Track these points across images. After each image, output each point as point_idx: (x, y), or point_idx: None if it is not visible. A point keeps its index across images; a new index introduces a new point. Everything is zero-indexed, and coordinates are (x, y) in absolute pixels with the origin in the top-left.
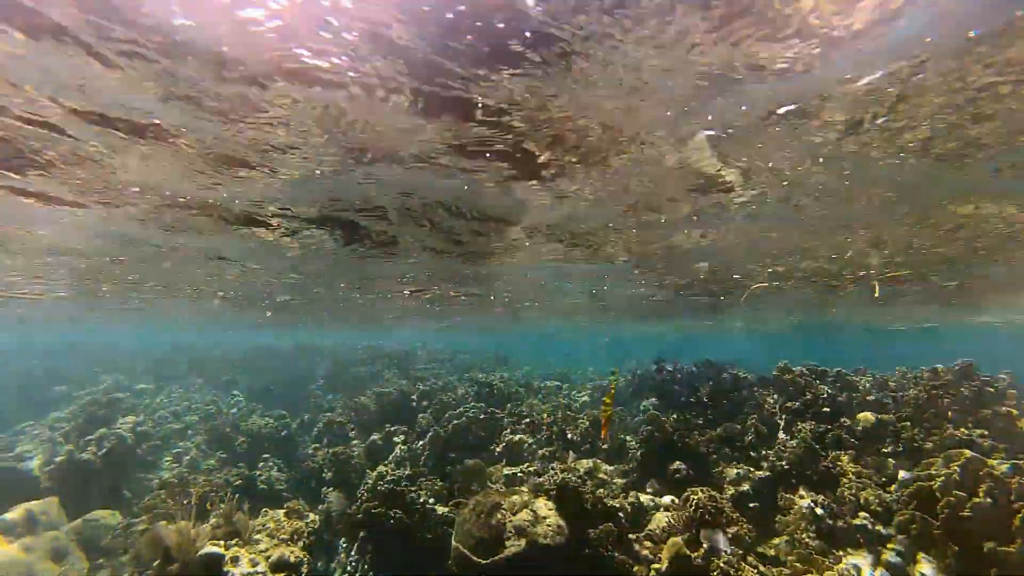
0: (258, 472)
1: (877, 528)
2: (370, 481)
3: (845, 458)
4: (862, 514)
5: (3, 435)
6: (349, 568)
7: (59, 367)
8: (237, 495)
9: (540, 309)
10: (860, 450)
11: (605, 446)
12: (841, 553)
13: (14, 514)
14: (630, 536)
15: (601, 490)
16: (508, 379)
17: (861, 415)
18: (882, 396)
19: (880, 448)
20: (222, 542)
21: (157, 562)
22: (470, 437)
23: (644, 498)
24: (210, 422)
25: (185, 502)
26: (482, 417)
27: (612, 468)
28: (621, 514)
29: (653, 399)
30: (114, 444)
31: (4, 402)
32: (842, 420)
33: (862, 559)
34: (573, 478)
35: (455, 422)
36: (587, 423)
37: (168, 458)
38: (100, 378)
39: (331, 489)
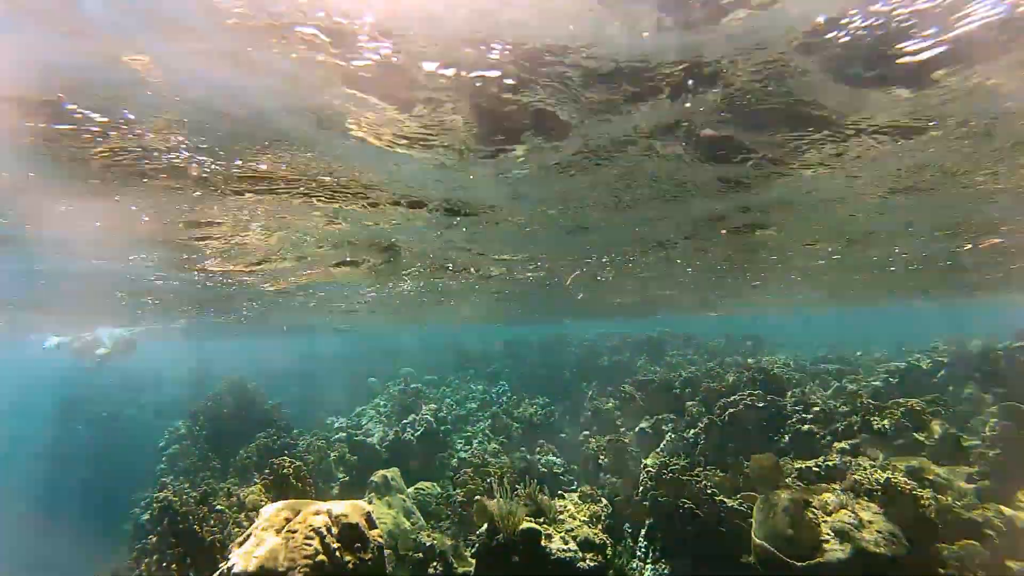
0: (537, 456)
1: None
2: (652, 469)
3: None
4: None
5: (352, 417)
6: (639, 554)
7: (369, 364)
8: (527, 476)
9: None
10: None
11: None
12: None
13: (376, 477)
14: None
15: (944, 496)
16: (784, 362)
17: None
18: None
19: None
20: (532, 520)
21: (484, 530)
22: (749, 427)
23: (1011, 512)
24: (487, 410)
25: (489, 480)
26: (761, 405)
27: (944, 470)
28: (991, 532)
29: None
30: (425, 427)
31: (344, 391)
32: None
33: None
34: (901, 478)
35: (731, 411)
36: (897, 414)
37: (459, 441)
38: (399, 372)
39: (609, 476)
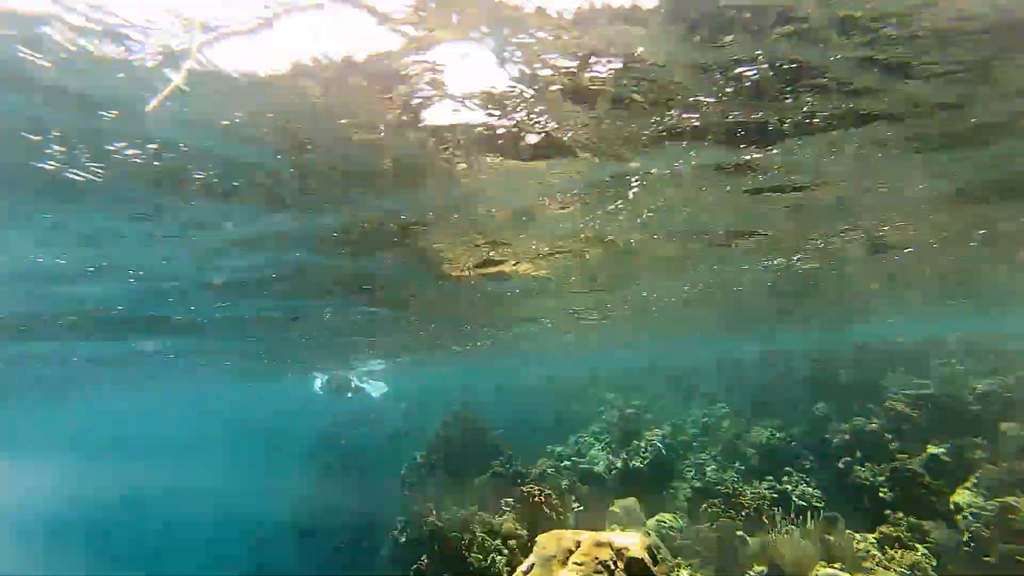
0: (788, 486)
1: None
2: (981, 510)
3: None
4: None
5: (569, 445)
6: None
7: (569, 388)
8: (779, 508)
9: None
10: None
11: None
12: None
13: (616, 508)
14: None
15: None
16: None
17: None
18: None
19: None
20: (827, 565)
21: (762, 573)
22: None
23: None
24: (712, 434)
25: (745, 512)
26: None
27: None
28: None
29: None
30: (654, 454)
31: (549, 418)
32: None
33: None
34: None
35: None
36: None
37: (688, 468)
38: (604, 398)
39: (900, 515)
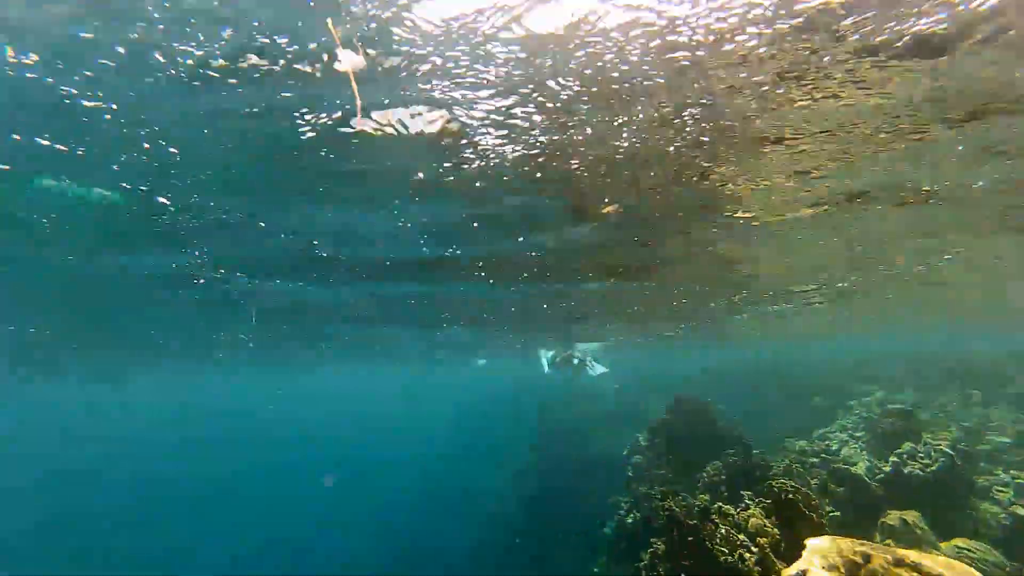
0: None
1: None
2: None
3: None
4: None
5: (813, 440)
6: None
7: (803, 376)
8: None
9: None
10: None
11: None
12: None
13: (890, 519)
14: None
15: None
16: None
17: None
18: None
19: None
20: None
21: None
22: None
23: None
24: None
25: None
26: None
27: None
28: None
29: None
30: (942, 463)
31: (782, 407)
32: None
33: None
34: None
35: None
36: None
37: (998, 487)
38: (856, 387)
39: None
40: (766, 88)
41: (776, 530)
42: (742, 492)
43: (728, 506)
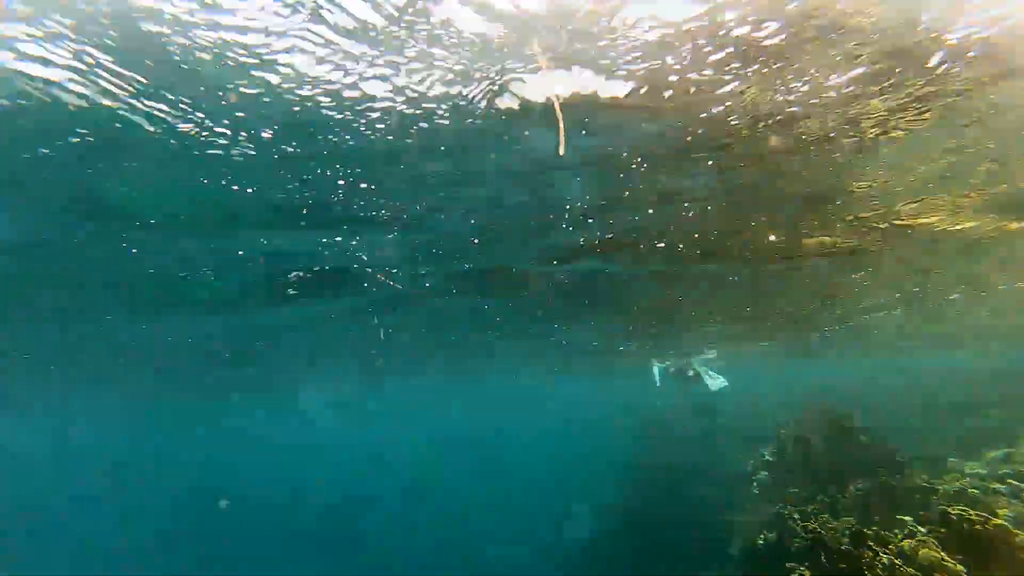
0: None
1: None
2: None
3: None
4: None
5: (986, 463)
6: None
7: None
8: None
9: None
10: None
11: None
12: None
13: None
14: None
15: None
16: None
17: None
18: None
19: None
20: None
21: None
22: None
23: None
24: None
25: None
26: None
27: None
28: None
29: None
30: None
31: (927, 424)
32: None
33: None
34: None
35: None
36: None
37: None
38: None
39: None
40: None
41: (961, 567)
42: (900, 517)
43: (887, 532)
